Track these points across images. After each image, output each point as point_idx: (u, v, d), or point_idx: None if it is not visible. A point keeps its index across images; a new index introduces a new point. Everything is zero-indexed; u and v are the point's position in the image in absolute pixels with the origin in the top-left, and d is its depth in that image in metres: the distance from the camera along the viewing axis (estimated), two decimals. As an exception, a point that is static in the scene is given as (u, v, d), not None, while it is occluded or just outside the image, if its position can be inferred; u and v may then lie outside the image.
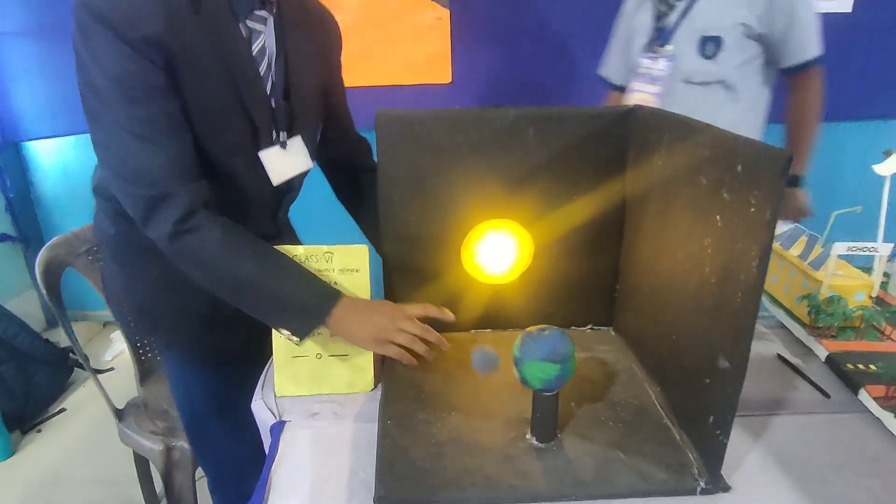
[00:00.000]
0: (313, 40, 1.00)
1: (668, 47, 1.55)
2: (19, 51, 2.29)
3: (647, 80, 1.61)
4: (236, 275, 0.85)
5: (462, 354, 0.99)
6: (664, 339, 0.87)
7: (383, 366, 0.96)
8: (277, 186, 0.99)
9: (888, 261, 1.12)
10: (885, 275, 1.17)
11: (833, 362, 0.96)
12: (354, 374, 0.95)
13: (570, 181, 0.98)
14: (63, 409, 2.23)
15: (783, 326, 1.11)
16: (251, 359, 1.04)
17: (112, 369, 2.48)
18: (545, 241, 1.01)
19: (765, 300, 1.16)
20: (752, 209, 0.62)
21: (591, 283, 1.06)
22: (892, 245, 1.03)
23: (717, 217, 0.69)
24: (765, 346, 1.06)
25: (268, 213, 1.04)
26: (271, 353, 0.95)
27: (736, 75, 1.53)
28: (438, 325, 0.97)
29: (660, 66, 1.56)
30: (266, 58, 0.91)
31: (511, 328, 1.08)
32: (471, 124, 0.93)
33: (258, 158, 0.94)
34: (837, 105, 2.30)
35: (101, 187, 1.00)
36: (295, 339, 0.88)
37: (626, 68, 1.72)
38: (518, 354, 0.75)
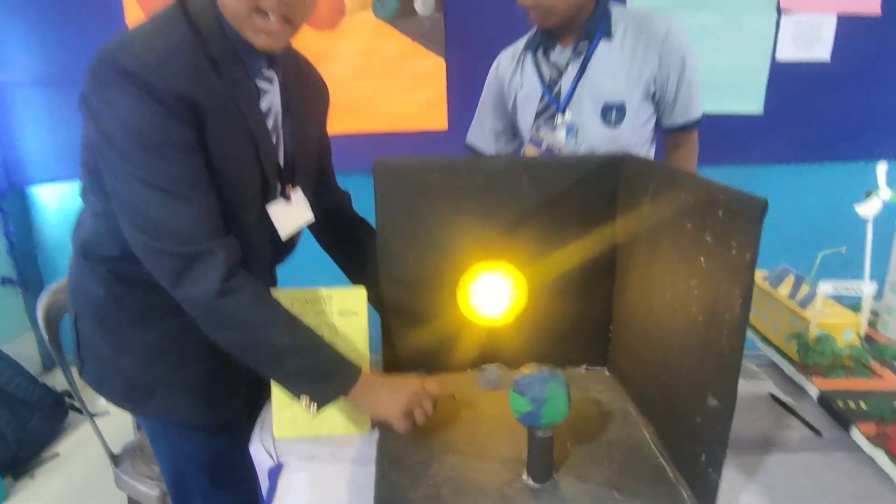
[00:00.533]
0: (309, 98, 1.04)
1: (567, 115, 1.41)
2: (27, 100, 2.37)
3: (545, 151, 1.46)
4: (269, 340, 0.85)
5: (459, 395, 1.00)
6: (656, 378, 0.89)
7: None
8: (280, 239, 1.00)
9: (875, 299, 1.14)
10: (874, 312, 1.19)
11: (825, 400, 0.97)
12: (352, 416, 0.96)
13: (562, 225, 1.01)
14: (56, 454, 2.20)
15: (775, 365, 1.12)
16: (244, 419, 1.04)
17: (108, 413, 2.45)
18: (539, 283, 1.04)
19: (756, 339, 1.18)
20: (734, 251, 0.65)
21: (584, 324, 1.08)
22: (876, 284, 1.06)
23: (702, 259, 0.72)
24: (757, 385, 1.08)
25: (267, 265, 1.05)
26: (262, 408, 0.96)
27: (634, 138, 1.44)
28: (437, 365, 0.98)
29: (559, 137, 1.41)
30: (272, 114, 0.95)
31: (507, 369, 1.09)
32: (465, 171, 0.97)
33: (265, 212, 0.96)
34: (820, 147, 2.40)
35: (90, 247, 0.97)
36: (314, 405, 0.88)
37: (506, 136, 1.59)
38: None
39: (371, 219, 1.05)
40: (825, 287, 1.04)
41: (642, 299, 0.93)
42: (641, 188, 0.91)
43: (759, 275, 1.23)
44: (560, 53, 1.41)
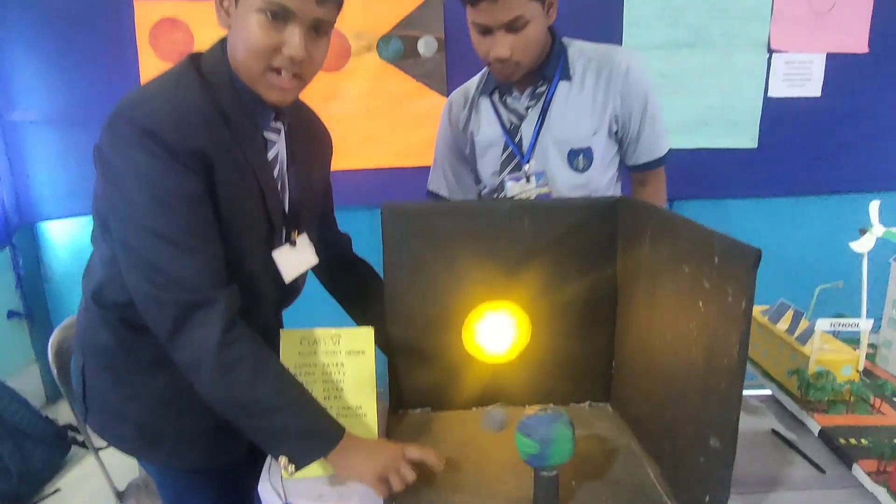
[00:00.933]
0: (313, 147, 1.08)
1: (532, 163, 1.35)
2: (40, 138, 2.42)
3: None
4: (258, 395, 0.84)
5: (465, 433, 1.02)
6: (659, 417, 0.90)
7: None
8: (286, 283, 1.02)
9: (873, 332, 1.16)
10: (872, 346, 1.21)
11: (826, 437, 0.98)
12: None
13: (564, 265, 1.04)
14: (58, 489, 2.18)
15: (776, 400, 1.14)
16: (248, 461, 1.05)
17: (109, 446, 2.45)
18: (542, 322, 1.06)
19: (758, 374, 1.20)
20: (730, 298, 0.68)
21: (587, 361, 1.10)
22: (872, 321, 1.08)
23: (700, 303, 0.75)
24: (759, 421, 1.08)
25: (273, 309, 1.07)
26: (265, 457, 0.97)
27: (601, 179, 1.38)
28: (442, 402, 0.99)
29: (531, 186, 1.34)
30: (278, 163, 0.98)
31: (511, 405, 1.11)
32: (469, 215, 1.00)
33: (271, 258, 0.98)
34: (814, 180, 2.44)
35: (100, 293, 0.97)
36: (292, 466, 0.87)
37: (471, 179, 1.52)
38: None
39: (376, 254, 1.08)
40: (822, 324, 1.06)
41: (644, 338, 0.95)
42: (639, 231, 0.94)
43: (758, 309, 1.25)
44: (517, 99, 1.34)
